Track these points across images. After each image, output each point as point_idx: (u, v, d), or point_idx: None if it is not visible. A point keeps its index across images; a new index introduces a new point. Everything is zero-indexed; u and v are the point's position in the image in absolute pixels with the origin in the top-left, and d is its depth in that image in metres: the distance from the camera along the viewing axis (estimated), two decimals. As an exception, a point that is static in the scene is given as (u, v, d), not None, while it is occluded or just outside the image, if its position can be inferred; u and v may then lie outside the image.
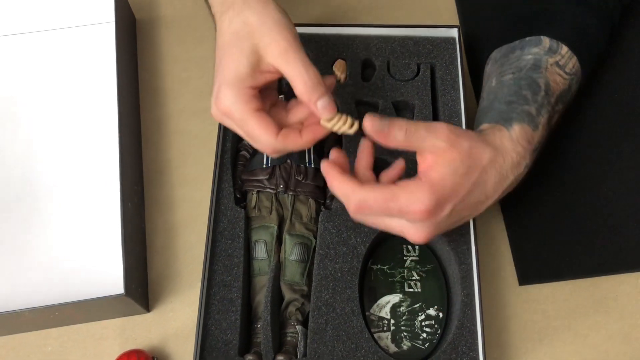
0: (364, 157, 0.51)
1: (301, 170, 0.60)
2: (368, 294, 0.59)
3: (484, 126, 0.54)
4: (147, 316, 0.61)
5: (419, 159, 0.49)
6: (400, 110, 0.64)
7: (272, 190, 0.60)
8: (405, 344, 0.57)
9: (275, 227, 0.59)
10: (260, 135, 0.48)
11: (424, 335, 0.57)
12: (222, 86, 0.48)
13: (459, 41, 0.65)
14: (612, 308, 0.60)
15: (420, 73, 0.64)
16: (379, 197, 0.46)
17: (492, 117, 0.54)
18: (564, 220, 0.62)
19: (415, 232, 0.49)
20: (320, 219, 0.59)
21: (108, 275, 0.57)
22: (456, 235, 0.58)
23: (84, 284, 0.58)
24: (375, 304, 0.58)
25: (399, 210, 0.46)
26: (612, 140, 0.65)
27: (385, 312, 0.58)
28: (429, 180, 0.47)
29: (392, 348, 0.57)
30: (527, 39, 0.58)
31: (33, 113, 0.68)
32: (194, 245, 0.64)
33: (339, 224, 0.58)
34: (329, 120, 0.49)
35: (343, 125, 0.50)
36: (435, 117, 0.63)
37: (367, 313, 0.58)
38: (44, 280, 0.60)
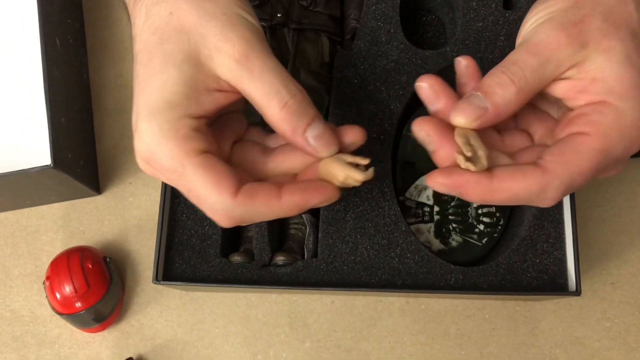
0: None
1: (308, -8, 0.41)
2: (404, 172, 0.42)
3: None
4: (98, 200, 0.45)
5: (566, 88, 0.29)
6: None
7: (265, 23, 0.42)
8: (455, 239, 0.41)
9: (272, 76, 0.41)
10: (207, 194, 0.28)
11: (481, 227, 0.41)
12: (140, 119, 0.28)
13: None
14: None
15: None
16: (585, 169, 0.28)
17: None
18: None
19: (623, 165, 0.31)
20: (336, 65, 0.41)
21: (31, 141, 0.39)
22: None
23: (3, 156, 0.41)
24: (413, 186, 0.42)
25: (620, 161, 0.29)
26: None
27: (427, 197, 0.42)
28: (633, 97, 0.28)
29: (436, 245, 0.41)
30: None
31: None
32: (159, 107, 0.46)
33: (364, 70, 0.40)
34: (328, 163, 0.29)
35: (351, 170, 0.29)
36: None
37: (401, 197, 0.41)
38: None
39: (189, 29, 0.29)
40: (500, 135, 0.32)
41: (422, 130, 0.30)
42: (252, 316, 0.43)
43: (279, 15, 0.41)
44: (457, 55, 0.40)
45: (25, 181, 0.39)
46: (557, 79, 0.29)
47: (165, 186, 0.39)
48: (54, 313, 0.42)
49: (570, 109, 0.29)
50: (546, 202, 0.29)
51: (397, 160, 0.42)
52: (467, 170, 0.28)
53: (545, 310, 0.43)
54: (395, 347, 0.42)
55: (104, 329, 0.42)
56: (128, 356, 0.42)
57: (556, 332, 0.42)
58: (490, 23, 0.41)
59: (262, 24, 0.42)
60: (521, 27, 0.31)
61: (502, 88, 0.28)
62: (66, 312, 0.40)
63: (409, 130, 0.43)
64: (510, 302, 0.43)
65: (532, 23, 0.30)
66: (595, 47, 0.28)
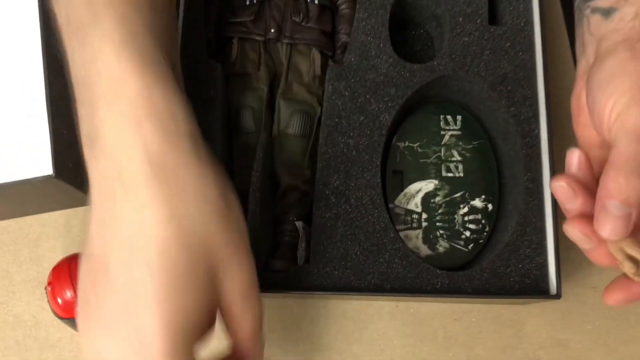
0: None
1: (300, 8, 0.43)
2: (393, 180, 0.43)
3: (605, 2, 0.34)
4: (97, 210, 0.46)
5: None
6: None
7: (259, 38, 0.43)
8: (442, 245, 0.42)
9: (266, 88, 0.43)
10: None
11: (467, 233, 0.42)
12: (158, 340, 0.25)
13: None
14: None
15: None
16: None
17: None
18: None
19: None
20: (327, 78, 0.42)
21: (33, 152, 0.41)
22: (518, 96, 0.41)
23: (6, 166, 0.42)
24: (402, 194, 0.43)
25: None
26: None
27: (415, 204, 0.43)
28: None
29: (424, 250, 0.42)
30: None
31: None
32: (157, 118, 0.48)
33: (354, 83, 0.42)
34: None
35: None
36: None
37: (390, 205, 0.43)
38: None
39: (213, 248, 0.26)
40: None
41: (577, 231, 0.30)
42: (247, 320, 0.44)
43: (272, 30, 0.43)
44: (445, 69, 0.42)
45: (28, 190, 0.41)
46: None
47: (163, 195, 0.40)
48: (55, 317, 0.43)
49: None
50: None
51: (387, 169, 0.43)
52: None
53: (529, 313, 0.44)
54: (385, 350, 0.43)
55: (103, 332, 0.44)
56: (127, 359, 0.44)
57: (540, 334, 0.44)
58: (476, 38, 0.43)
59: (257, 38, 0.44)
60: (600, 117, 0.31)
61: (633, 188, 0.28)
62: (67, 316, 0.41)
63: (398, 140, 0.44)
64: (496, 306, 0.44)
65: (615, 111, 0.30)
66: None
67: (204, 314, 0.26)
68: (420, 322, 0.44)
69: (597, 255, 0.30)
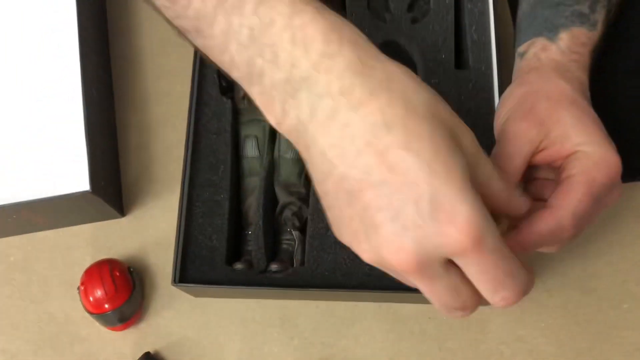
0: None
1: (298, 53, 0.51)
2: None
3: (522, 47, 0.44)
4: (122, 222, 0.54)
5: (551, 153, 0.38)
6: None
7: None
8: (417, 253, 0.50)
9: (268, 120, 0.51)
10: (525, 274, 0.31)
11: (439, 243, 0.50)
12: (453, 191, 0.27)
13: None
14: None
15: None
16: (580, 197, 0.36)
17: (534, 30, 0.44)
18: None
19: (618, 191, 0.39)
20: (320, 111, 0.50)
21: (72, 171, 0.48)
22: (480, 127, 0.49)
23: (45, 182, 0.49)
24: (383, 209, 0.51)
25: (608, 187, 0.37)
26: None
27: (395, 218, 0.50)
28: (593, 142, 0.37)
29: (402, 258, 0.50)
30: None
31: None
32: (174, 145, 0.56)
33: (343, 116, 0.50)
34: None
35: None
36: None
37: (373, 219, 0.50)
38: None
39: (442, 112, 0.32)
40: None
41: None
42: (249, 318, 0.51)
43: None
44: (418, 105, 0.50)
45: (67, 203, 0.48)
46: (537, 152, 0.38)
47: (182, 208, 0.48)
48: (84, 315, 0.50)
49: (557, 167, 0.38)
50: (567, 232, 0.36)
51: (370, 188, 0.51)
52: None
53: (493, 313, 0.51)
54: (369, 344, 0.50)
55: (126, 328, 0.50)
56: (146, 350, 0.50)
57: (502, 331, 0.51)
58: (444, 80, 0.51)
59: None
60: (495, 123, 0.41)
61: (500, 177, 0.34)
62: (97, 312, 0.48)
63: (380, 164, 0.52)
64: (465, 306, 0.52)
65: (501, 121, 0.40)
66: (551, 122, 0.38)
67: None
68: (399, 320, 0.51)
69: None
